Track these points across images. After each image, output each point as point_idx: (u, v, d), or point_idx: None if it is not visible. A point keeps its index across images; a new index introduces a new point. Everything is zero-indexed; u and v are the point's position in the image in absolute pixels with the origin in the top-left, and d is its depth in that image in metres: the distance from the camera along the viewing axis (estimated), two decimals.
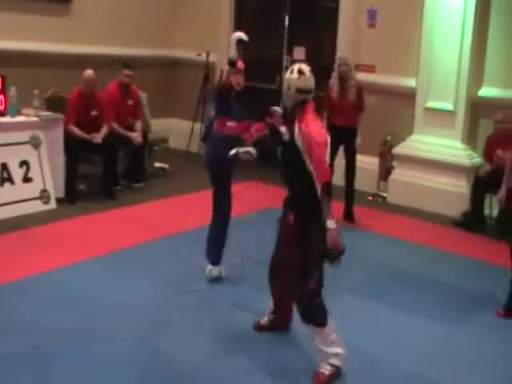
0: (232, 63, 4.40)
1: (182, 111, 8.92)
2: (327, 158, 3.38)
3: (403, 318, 4.39)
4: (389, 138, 7.30)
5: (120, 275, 4.77)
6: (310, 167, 3.35)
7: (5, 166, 5.88)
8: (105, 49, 7.77)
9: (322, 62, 7.81)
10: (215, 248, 4.71)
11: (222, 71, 4.61)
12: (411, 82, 7.18)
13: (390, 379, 3.64)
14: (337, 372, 3.52)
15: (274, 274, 3.82)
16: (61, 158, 6.39)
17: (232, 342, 3.91)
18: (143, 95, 7.53)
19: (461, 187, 6.80)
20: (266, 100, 8.06)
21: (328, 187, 3.29)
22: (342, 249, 3.31)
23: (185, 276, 4.80)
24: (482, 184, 6.32)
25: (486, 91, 6.89)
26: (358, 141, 6.30)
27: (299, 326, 3.89)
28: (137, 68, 7.08)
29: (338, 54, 6.75)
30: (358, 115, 6.30)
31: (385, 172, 7.38)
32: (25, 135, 6.09)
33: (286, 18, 8.18)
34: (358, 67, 7.09)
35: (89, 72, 6.50)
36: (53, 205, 6.20)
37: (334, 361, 3.52)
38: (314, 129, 3.40)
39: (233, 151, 4.19)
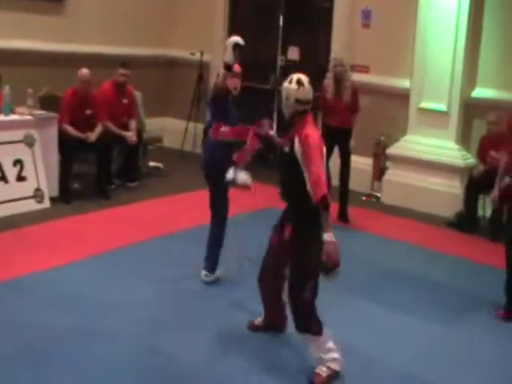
0: (228, 67, 4.38)
1: (177, 110, 8.91)
2: (323, 172, 3.37)
3: (398, 318, 4.41)
4: (382, 138, 7.32)
5: (116, 275, 4.77)
6: (307, 180, 3.36)
7: None
8: (99, 47, 7.74)
9: (316, 61, 7.84)
10: (213, 253, 4.69)
11: (218, 75, 4.60)
12: (405, 83, 7.20)
13: (385, 379, 3.65)
14: (334, 375, 3.53)
15: (263, 277, 3.84)
16: (55, 157, 6.37)
17: (230, 342, 3.92)
18: (138, 94, 7.52)
19: (454, 188, 6.83)
20: (260, 100, 8.15)
21: (325, 201, 3.29)
22: (336, 262, 3.30)
23: (181, 276, 4.79)
24: (476, 185, 6.35)
25: (480, 92, 6.92)
26: (352, 142, 6.31)
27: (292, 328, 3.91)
28: (132, 67, 7.06)
29: (332, 55, 6.77)
30: (353, 116, 6.31)
31: (378, 172, 7.41)
32: (19, 134, 6.06)
33: (281, 18, 8.18)
34: (352, 67, 7.11)
35: (84, 71, 6.48)
36: (47, 204, 6.18)
37: (332, 365, 3.53)
38: (312, 137, 3.40)
39: (229, 175, 4.23)
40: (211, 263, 4.71)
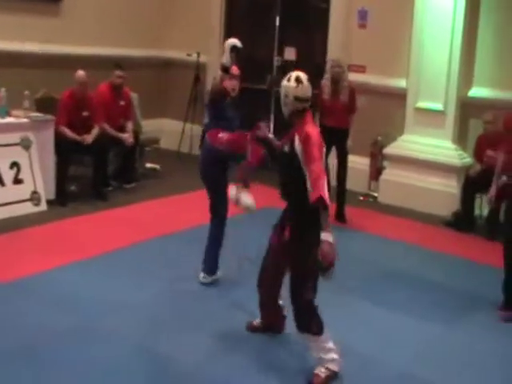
0: (225, 69, 4.38)
1: (173, 112, 8.90)
2: (323, 171, 3.37)
3: (395, 318, 4.41)
4: (379, 138, 7.33)
5: (114, 275, 4.77)
6: (307, 178, 3.34)
7: None
8: (95, 49, 7.73)
9: (312, 62, 7.84)
10: (212, 255, 4.68)
11: (214, 78, 4.59)
12: (401, 83, 7.21)
13: (383, 379, 3.65)
14: (333, 376, 3.53)
15: (263, 277, 3.84)
16: (51, 160, 6.36)
17: (229, 343, 3.92)
18: (134, 96, 7.52)
19: (451, 187, 6.84)
20: (257, 100, 8.15)
21: (321, 202, 3.27)
22: (331, 262, 3.29)
23: (180, 276, 4.80)
24: (473, 184, 6.36)
25: (476, 91, 6.93)
26: (349, 142, 6.32)
27: (292, 327, 3.91)
28: (128, 68, 7.05)
29: (329, 57, 6.77)
30: (350, 117, 6.32)
31: (376, 172, 7.41)
32: (15, 137, 6.05)
33: (277, 18, 8.19)
34: (349, 67, 7.11)
35: (81, 73, 6.46)
36: (43, 206, 6.17)
37: (331, 365, 3.53)
38: (313, 135, 3.39)
39: (232, 195, 4.22)
40: (209, 265, 4.70)
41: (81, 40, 7.68)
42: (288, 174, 3.55)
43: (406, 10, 7.04)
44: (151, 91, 8.58)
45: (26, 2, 7.20)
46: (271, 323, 4.00)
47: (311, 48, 8.10)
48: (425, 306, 4.62)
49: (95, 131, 6.56)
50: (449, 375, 3.74)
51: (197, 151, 7.68)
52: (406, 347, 4.01)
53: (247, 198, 4.23)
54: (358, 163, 7.16)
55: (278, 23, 8.19)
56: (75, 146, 6.38)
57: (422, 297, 4.78)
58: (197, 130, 8.24)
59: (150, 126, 8.11)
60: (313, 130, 3.45)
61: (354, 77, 6.89)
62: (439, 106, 6.91)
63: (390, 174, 7.28)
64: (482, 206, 6.54)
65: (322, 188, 3.29)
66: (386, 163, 7.38)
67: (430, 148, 6.96)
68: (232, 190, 4.30)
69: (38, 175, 6.16)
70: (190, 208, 6.18)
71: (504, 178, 5.22)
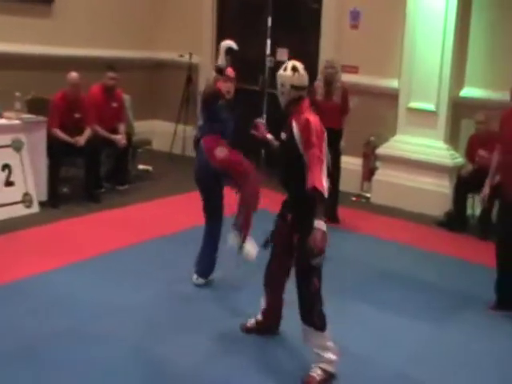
0: (219, 70, 4.37)
1: (166, 113, 8.88)
2: (324, 154, 3.34)
3: (388, 318, 4.41)
4: (372, 138, 7.35)
5: (110, 277, 4.75)
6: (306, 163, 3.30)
7: None
8: (87, 50, 7.70)
9: (305, 63, 7.80)
10: (206, 257, 4.65)
11: (207, 79, 4.58)
12: (394, 83, 7.23)
13: (376, 379, 3.65)
14: (328, 378, 3.52)
15: (268, 281, 3.83)
16: (43, 161, 6.33)
17: (225, 344, 3.92)
18: (126, 98, 7.49)
19: (443, 187, 6.86)
20: (249, 101, 8.14)
21: (317, 191, 3.26)
22: (321, 249, 3.29)
23: (176, 278, 4.78)
24: (465, 184, 6.38)
25: (468, 92, 6.96)
26: (342, 143, 6.32)
27: (288, 328, 3.91)
28: (120, 70, 7.03)
29: (322, 58, 6.77)
30: (343, 117, 6.32)
31: (368, 172, 7.42)
32: (6, 138, 6.02)
33: (269, 19, 8.18)
34: (341, 68, 7.11)
35: (73, 74, 6.43)
36: (35, 208, 6.14)
37: (328, 367, 3.52)
38: (313, 122, 3.37)
39: (231, 240, 4.25)
40: (203, 267, 4.67)
41: (73, 41, 7.66)
42: (286, 162, 3.52)
43: (398, 10, 7.06)
44: (143, 92, 8.57)
45: (17, 3, 7.17)
46: (270, 323, 3.98)
47: (303, 49, 8.09)
48: (418, 305, 4.63)
49: (87, 133, 6.54)
50: (442, 375, 3.75)
51: (189, 153, 7.68)
52: (400, 347, 4.02)
53: (250, 248, 4.28)
54: (350, 164, 7.17)
55: (270, 24, 8.18)
56: (67, 148, 6.35)
57: (416, 297, 4.79)
58: (189, 131, 8.22)
59: (142, 128, 8.09)
60: (312, 116, 3.42)
61: (346, 77, 6.89)
62: (431, 107, 6.93)
63: (382, 174, 7.30)
64: (475, 206, 6.56)
65: (319, 175, 3.27)
66: (378, 163, 7.39)
67: (422, 148, 6.98)
68: (233, 239, 4.32)
69: (30, 177, 6.13)
70: (185, 209, 6.17)
71: (499, 177, 5.22)
